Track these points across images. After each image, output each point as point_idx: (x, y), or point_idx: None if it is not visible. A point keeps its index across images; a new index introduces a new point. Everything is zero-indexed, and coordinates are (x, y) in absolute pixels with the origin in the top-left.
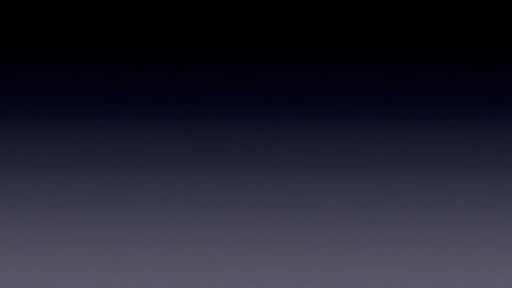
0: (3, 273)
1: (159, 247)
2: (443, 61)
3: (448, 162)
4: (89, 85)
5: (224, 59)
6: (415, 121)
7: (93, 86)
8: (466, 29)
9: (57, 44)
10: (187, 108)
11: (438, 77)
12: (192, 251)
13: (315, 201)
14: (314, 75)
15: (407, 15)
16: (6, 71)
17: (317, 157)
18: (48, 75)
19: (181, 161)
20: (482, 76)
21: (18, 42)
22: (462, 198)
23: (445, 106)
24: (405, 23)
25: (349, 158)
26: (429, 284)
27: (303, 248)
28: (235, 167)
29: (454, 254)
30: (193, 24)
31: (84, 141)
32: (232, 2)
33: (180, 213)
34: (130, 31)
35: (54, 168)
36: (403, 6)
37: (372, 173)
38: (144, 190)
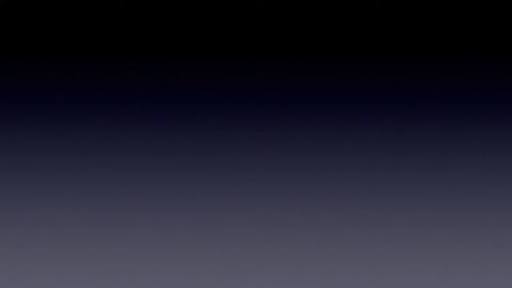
0: (3, 273)
1: (159, 247)
2: (443, 61)
3: (448, 162)
4: (89, 85)
5: (224, 59)
6: (415, 121)
7: (93, 86)
8: (466, 29)
9: (57, 44)
10: (187, 108)
11: (438, 77)
12: (192, 251)
13: (315, 201)
14: (314, 75)
15: (407, 15)
16: (6, 71)
17: (317, 157)
18: (48, 75)
19: (181, 161)
20: (482, 76)
21: (18, 42)
22: (462, 198)
23: (445, 106)
24: (405, 23)
25: (349, 158)
26: (429, 284)
27: (303, 248)
28: (235, 167)
29: (454, 254)
30: (193, 24)
31: (84, 141)
32: (232, 2)
33: (180, 213)
34: (130, 31)
35: (54, 168)
36: (403, 6)
37: (372, 173)
38: (144, 190)
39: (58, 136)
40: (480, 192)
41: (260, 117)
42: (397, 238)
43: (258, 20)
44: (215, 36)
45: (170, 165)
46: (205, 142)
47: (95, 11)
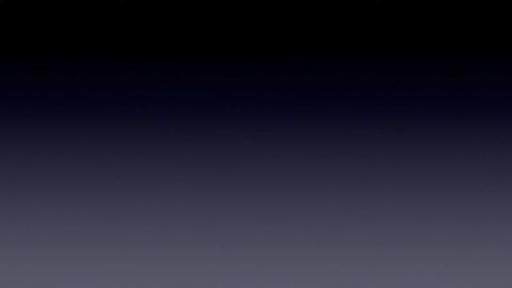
0: (3, 273)
1: (159, 247)
2: (443, 61)
3: (448, 162)
4: (89, 85)
5: (224, 59)
6: (415, 121)
7: (93, 86)
8: (466, 29)
9: (57, 44)
10: (187, 108)
11: (438, 77)
12: (192, 251)
13: (315, 201)
14: (314, 75)
15: (407, 15)
16: (6, 71)
17: (317, 157)
18: (48, 75)
19: (181, 161)
20: (482, 76)
21: (18, 42)
22: (462, 198)
23: (445, 106)
24: (405, 23)
25: (349, 158)
26: (429, 284)
27: (303, 248)
28: (235, 167)
29: (454, 254)
30: (193, 24)
31: (84, 141)
32: (232, 2)
33: (180, 213)
34: (130, 31)
35: (54, 168)
36: (403, 6)
37: (372, 173)
38: (144, 190)
39: (58, 136)
40: (480, 192)
41: (260, 117)
42: (397, 238)
43: (258, 20)
44: (215, 36)
45: (170, 165)
46: (205, 142)
47: (95, 11)
